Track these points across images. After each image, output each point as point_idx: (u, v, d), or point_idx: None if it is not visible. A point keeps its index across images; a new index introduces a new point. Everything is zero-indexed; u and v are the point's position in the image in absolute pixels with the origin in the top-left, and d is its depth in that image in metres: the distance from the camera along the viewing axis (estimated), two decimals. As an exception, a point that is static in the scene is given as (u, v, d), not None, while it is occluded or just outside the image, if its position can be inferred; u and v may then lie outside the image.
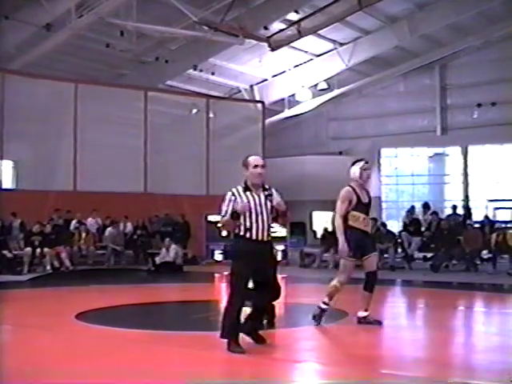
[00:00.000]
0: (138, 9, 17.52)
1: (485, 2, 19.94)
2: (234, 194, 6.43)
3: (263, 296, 6.53)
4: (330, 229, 19.67)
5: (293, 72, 24.66)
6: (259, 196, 6.50)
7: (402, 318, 9.33)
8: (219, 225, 6.72)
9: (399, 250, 17.66)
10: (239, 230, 6.37)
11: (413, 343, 7.19)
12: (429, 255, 17.09)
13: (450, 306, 10.25)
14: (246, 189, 6.48)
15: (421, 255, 17.44)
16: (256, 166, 6.53)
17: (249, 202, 6.38)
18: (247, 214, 6.34)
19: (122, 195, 19.85)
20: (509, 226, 18.61)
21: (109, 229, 18.97)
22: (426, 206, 19.22)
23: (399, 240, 17.65)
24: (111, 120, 21.23)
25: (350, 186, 7.88)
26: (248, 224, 6.35)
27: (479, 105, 23.05)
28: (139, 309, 9.83)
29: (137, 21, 17.75)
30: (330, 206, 23.66)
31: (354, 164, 7.98)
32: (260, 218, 6.39)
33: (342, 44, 23.06)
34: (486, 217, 18.44)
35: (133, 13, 17.56)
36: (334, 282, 7.89)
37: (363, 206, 7.83)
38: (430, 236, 17.39)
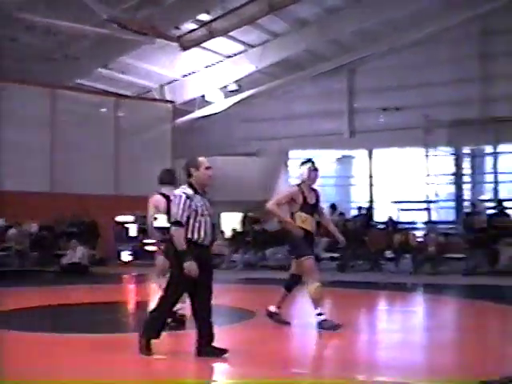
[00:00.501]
0: (45, 4, 17.11)
1: (391, 10, 20.58)
2: (188, 197, 6.06)
3: (201, 302, 6.31)
4: (238, 229, 19.85)
5: (203, 72, 24.67)
6: (207, 199, 6.26)
7: (309, 318, 9.49)
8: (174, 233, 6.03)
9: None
10: (186, 234, 6.06)
11: (319, 342, 7.34)
12: (335, 255, 17.46)
13: (354, 306, 10.52)
14: (195, 191, 6.14)
15: (328, 255, 17.79)
16: (208, 168, 6.22)
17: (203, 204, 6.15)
18: (197, 218, 6.08)
19: (27, 194, 19.32)
20: (411, 226, 19.26)
21: (12, 229, 18.40)
22: (332, 206, 19.61)
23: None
24: (16, 117, 20.61)
25: (299, 186, 7.86)
26: (197, 228, 6.09)
27: (384, 109, 23.70)
28: (44, 311, 9.60)
29: (45, 16, 17.33)
30: (239, 206, 24.01)
31: (302, 164, 7.95)
32: (208, 222, 6.16)
33: (252, 46, 23.24)
34: (390, 218, 19.00)
35: (40, 8, 17.13)
36: (312, 287, 7.61)
37: (309, 207, 7.80)
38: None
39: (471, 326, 8.49)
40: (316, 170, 7.96)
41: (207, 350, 6.07)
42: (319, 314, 7.58)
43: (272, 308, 7.93)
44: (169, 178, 8.46)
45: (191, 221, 6.06)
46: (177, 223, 6.03)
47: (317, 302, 7.60)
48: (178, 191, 6.18)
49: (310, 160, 8.03)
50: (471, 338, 7.45)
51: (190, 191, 6.09)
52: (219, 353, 6.10)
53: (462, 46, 22.26)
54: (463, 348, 6.94)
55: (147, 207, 8.28)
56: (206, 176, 6.20)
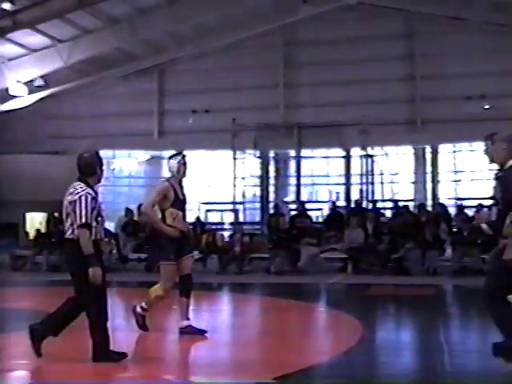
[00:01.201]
0: None
1: (201, 14, 20.96)
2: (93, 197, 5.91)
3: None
4: (43, 230, 19.18)
5: (7, 65, 23.49)
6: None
7: (116, 320, 9.40)
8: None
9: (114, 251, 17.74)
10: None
11: (124, 345, 7.31)
12: (143, 256, 17.42)
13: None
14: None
15: (136, 256, 17.73)
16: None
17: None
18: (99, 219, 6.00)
19: None
20: (218, 227, 19.72)
21: None
22: (140, 207, 19.50)
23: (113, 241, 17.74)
24: None
25: (168, 181, 7.50)
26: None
27: (194, 111, 24.04)
28: None
29: None
30: (44, 206, 23.21)
31: (171, 158, 7.61)
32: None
33: (61, 41, 22.53)
34: (198, 218, 19.30)
35: None
36: (158, 291, 7.37)
37: (180, 203, 7.45)
38: (145, 237, 17.72)
39: (274, 323, 8.88)
40: (186, 163, 7.64)
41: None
42: (142, 308, 7.50)
43: (182, 323, 7.44)
44: None
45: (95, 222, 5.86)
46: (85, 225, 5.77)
47: (149, 303, 7.46)
48: (80, 191, 5.88)
49: (180, 153, 7.69)
50: (274, 335, 7.79)
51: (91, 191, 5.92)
52: (118, 357, 5.92)
53: (268, 54, 23.27)
54: (266, 344, 7.24)
55: None
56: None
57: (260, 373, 5.71)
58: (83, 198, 5.81)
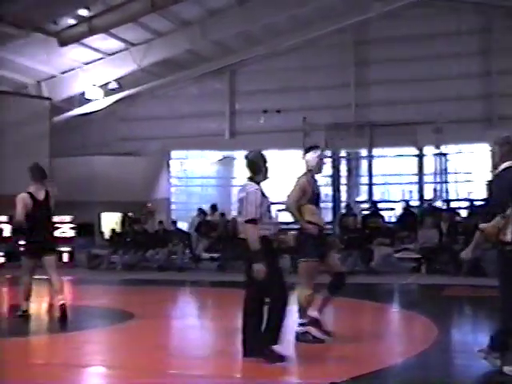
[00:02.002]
0: None
1: (271, 15, 20.97)
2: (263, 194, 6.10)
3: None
4: (118, 230, 19.58)
5: (83, 69, 24.11)
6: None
7: (188, 318, 9.52)
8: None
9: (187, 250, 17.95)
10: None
11: (198, 342, 7.37)
12: (215, 256, 17.56)
13: (234, 305, 10.61)
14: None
15: (208, 256, 17.87)
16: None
17: None
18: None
19: None
20: (289, 227, 19.65)
21: None
22: (213, 207, 19.71)
23: (186, 241, 17.94)
24: None
25: (305, 176, 7.08)
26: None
27: (265, 111, 24.09)
28: None
29: None
30: (119, 206, 23.65)
31: (309, 151, 7.13)
32: None
33: (134, 44, 22.96)
34: (269, 218, 19.26)
35: None
36: (304, 292, 6.86)
37: (317, 198, 7.07)
38: (218, 237, 17.88)
39: (347, 323, 8.80)
40: (323, 157, 7.28)
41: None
42: (302, 324, 6.89)
43: (313, 313, 6.96)
44: (43, 175, 8.36)
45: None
46: (252, 221, 5.82)
47: (304, 311, 6.87)
48: (249, 188, 5.99)
49: (317, 146, 7.20)
50: (348, 335, 7.70)
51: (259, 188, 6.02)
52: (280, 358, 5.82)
53: (339, 53, 23.10)
54: (340, 344, 7.16)
55: (18, 210, 8.14)
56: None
57: (335, 373, 5.66)
58: (251, 195, 5.91)
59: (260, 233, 5.82)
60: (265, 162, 6.22)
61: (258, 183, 6.08)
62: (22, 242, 8.54)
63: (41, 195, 8.27)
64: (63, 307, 8.28)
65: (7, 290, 14.57)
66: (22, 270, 8.52)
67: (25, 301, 8.47)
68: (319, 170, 7.16)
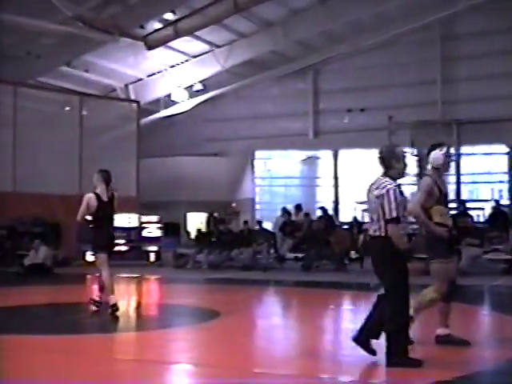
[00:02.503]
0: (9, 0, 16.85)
1: (355, 12, 20.76)
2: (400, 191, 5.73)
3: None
4: (203, 229, 19.83)
5: (169, 72, 24.57)
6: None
7: (274, 317, 9.53)
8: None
9: (272, 250, 18.00)
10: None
11: (284, 342, 7.37)
12: (300, 255, 17.52)
13: (319, 304, 10.58)
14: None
15: (292, 255, 17.86)
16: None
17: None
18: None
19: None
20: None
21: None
22: (298, 207, 19.68)
23: (271, 241, 17.99)
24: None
25: (430, 176, 6.58)
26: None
27: (349, 110, 23.89)
28: (6, 312, 9.47)
29: (7, 12, 17.06)
30: (203, 206, 23.95)
31: (435, 148, 6.64)
32: None
33: (218, 46, 23.22)
34: (355, 218, 19.13)
35: (4, 3, 16.86)
36: (430, 295, 6.56)
37: (444, 198, 6.62)
38: (302, 237, 17.84)
39: (436, 325, 8.57)
40: (451, 155, 6.83)
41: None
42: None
43: (440, 331, 6.66)
44: (109, 179, 8.96)
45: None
46: (395, 219, 5.60)
47: (417, 311, 6.58)
48: (387, 185, 5.71)
49: (443, 144, 6.72)
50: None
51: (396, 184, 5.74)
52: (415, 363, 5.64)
53: (425, 49, 22.63)
54: (429, 347, 7.00)
55: (81, 209, 8.74)
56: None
57: (425, 376, 5.53)
58: (391, 192, 5.63)
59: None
60: (399, 157, 5.87)
61: (394, 180, 5.79)
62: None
63: (106, 196, 8.79)
64: (115, 306, 8.65)
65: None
66: (99, 265, 9.02)
67: (112, 295, 8.76)
68: (446, 169, 6.76)
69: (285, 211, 19.20)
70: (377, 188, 5.76)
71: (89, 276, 16.05)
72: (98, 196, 8.75)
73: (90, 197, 8.72)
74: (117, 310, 8.58)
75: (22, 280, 15.40)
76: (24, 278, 15.62)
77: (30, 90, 21.73)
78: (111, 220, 9.03)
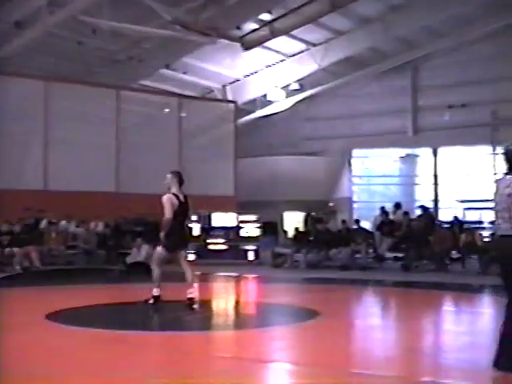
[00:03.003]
0: (111, 7, 17.41)
1: (457, 4, 20.17)
2: None
3: None
4: (301, 229, 19.77)
5: (265, 72, 24.71)
6: None
7: (373, 318, 9.38)
8: None
9: (370, 250, 17.74)
10: None
11: (384, 342, 7.23)
12: (399, 255, 17.20)
13: (419, 306, 10.33)
14: None
15: (391, 255, 17.55)
16: None
17: None
18: None
19: (93, 194, 19.70)
20: (477, 226, 18.81)
21: (78, 229, 18.80)
22: (397, 205, 19.29)
23: (370, 240, 17.73)
24: (83, 118, 21.06)
25: None
26: None
27: (450, 106, 23.26)
28: (110, 309, 9.76)
29: (109, 19, 17.63)
30: (301, 205, 23.94)
31: None
32: None
33: (314, 44, 23.14)
34: (456, 217, 18.60)
35: (105, 11, 17.44)
36: None
37: None
38: (401, 236, 17.49)
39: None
40: None
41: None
42: None
43: None
44: (182, 180, 9.36)
45: None
46: None
47: None
48: None
49: None
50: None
51: None
52: None
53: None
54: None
55: (164, 205, 9.06)
56: None
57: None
58: None
59: None
60: None
61: None
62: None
63: (181, 197, 9.18)
64: (192, 300, 9.01)
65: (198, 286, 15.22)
66: (154, 260, 9.43)
67: (157, 288, 9.29)
68: None
69: (383, 210, 18.88)
70: (507, 187, 5.46)
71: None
72: (176, 196, 9.11)
73: (170, 197, 9.07)
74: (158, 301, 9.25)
75: (124, 277, 15.83)
76: (126, 276, 16.06)
77: (131, 93, 22.37)
78: (186, 219, 9.47)
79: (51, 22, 17.73)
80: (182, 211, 9.16)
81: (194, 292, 9.13)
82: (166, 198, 9.09)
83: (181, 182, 9.32)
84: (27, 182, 19.48)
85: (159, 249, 9.29)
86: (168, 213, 9.01)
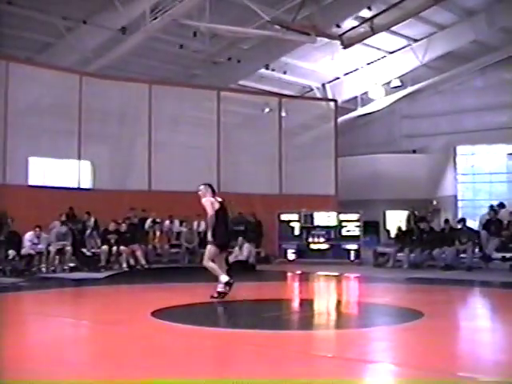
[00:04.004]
0: (210, 10, 17.68)
1: None
2: None
3: None
4: (403, 227, 19.42)
5: (365, 69, 24.43)
6: None
7: (480, 320, 9.08)
8: None
9: (476, 249, 17.18)
10: None
11: (491, 346, 6.98)
12: (507, 255, 16.57)
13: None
14: None
15: (499, 255, 16.92)
16: None
17: None
18: None
19: (195, 194, 20.00)
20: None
21: (182, 227, 19.21)
22: (501, 205, 18.57)
23: (476, 240, 17.16)
24: (185, 120, 21.52)
25: None
26: None
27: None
28: (213, 307, 9.90)
29: (210, 22, 17.91)
30: (403, 204, 23.56)
31: None
32: None
33: (416, 40, 22.69)
34: None
35: (206, 14, 17.73)
36: None
37: None
38: (509, 235, 16.85)
39: None
40: None
41: None
42: None
43: None
44: (214, 190, 10.65)
45: None
46: None
47: None
48: None
49: None
50: None
51: None
52: None
53: None
54: None
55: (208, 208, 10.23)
56: None
57: None
58: None
59: None
60: None
61: None
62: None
63: (218, 203, 10.39)
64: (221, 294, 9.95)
65: (299, 285, 15.24)
66: (207, 256, 10.36)
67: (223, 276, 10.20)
68: None
69: (491, 209, 18.25)
70: None
71: (289, 273, 16.39)
72: (218, 201, 10.35)
73: (212, 200, 10.30)
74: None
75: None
76: (229, 274, 16.23)
77: (231, 94, 22.62)
78: (227, 221, 10.73)
79: (154, 27, 18.19)
80: (222, 213, 10.35)
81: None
82: (207, 201, 10.30)
83: (213, 191, 10.53)
84: (132, 183, 20.07)
85: (210, 247, 10.28)
86: (211, 212, 10.16)
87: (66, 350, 6.41)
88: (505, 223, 17.36)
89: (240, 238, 17.60)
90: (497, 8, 20.60)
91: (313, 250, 19.77)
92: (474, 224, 19.62)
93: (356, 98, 25.90)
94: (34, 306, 10.18)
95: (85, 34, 18.59)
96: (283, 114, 23.02)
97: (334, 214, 19.91)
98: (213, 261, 10.39)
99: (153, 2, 17.66)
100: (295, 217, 19.99)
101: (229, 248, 10.63)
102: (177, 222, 19.58)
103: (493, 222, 17.61)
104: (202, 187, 10.60)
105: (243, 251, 17.28)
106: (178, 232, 19.35)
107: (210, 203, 10.25)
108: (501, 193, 24.22)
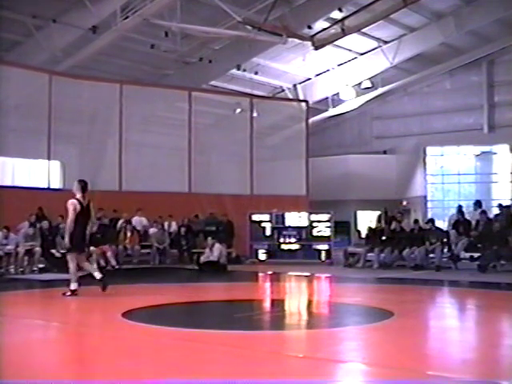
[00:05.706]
0: (182, 10, 17.62)
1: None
2: None
3: None
4: (374, 228, 19.55)
5: (336, 71, 24.55)
6: None
7: (449, 319, 9.18)
8: None
9: (445, 249, 17.36)
10: None
11: (460, 344, 7.06)
12: (476, 255, 16.76)
13: (497, 307, 10.05)
14: None
15: (467, 255, 17.11)
16: None
17: None
18: None
19: (166, 195, 19.99)
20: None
21: (153, 228, 19.12)
22: (478, 204, 18.74)
23: (444, 239, 17.34)
24: (156, 120, 21.43)
25: None
26: None
27: (527, 101, 22.61)
28: (183, 307, 9.88)
29: (181, 22, 17.86)
30: (374, 205, 23.77)
31: None
32: None
33: (386, 42, 22.87)
34: None
35: (177, 14, 17.68)
36: None
37: None
38: (478, 236, 17.06)
39: None
40: None
41: None
42: None
43: None
44: (86, 188, 10.79)
45: None
46: None
47: None
48: None
49: None
50: None
51: None
52: None
53: None
54: None
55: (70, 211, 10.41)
56: None
57: None
58: None
59: None
60: None
61: None
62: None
63: (84, 203, 10.70)
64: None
65: (270, 285, 15.26)
66: (70, 261, 10.67)
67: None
68: None
69: (459, 209, 18.46)
70: None
71: (260, 274, 16.41)
72: (79, 202, 10.43)
73: (75, 203, 10.39)
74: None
75: (197, 277, 16.02)
76: (199, 275, 16.24)
77: (203, 94, 22.56)
78: (87, 223, 10.69)
79: (125, 27, 18.09)
80: (83, 215, 10.49)
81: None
82: (69, 203, 10.39)
83: (84, 190, 10.65)
84: (102, 183, 19.89)
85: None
86: (70, 216, 10.30)
87: (35, 353, 6.34)
88: (473, 223, 17.58)
89: (209, 239, 17.54)
90: (465, 11, 20.87)
91: (284, 250, 19.81)
92: (443, 224, 19.81)
93: (327, 98, 26.00)
94: (1, 308, 10.06)
95: (54, 32, 18.39)
96: (254, 114, 23.03)
97: (305, 214, 19.97)
98: (78, 264, 10.71)
99: (124, 1, 17.56)
100: (266, 217, 20.02)
101: (85, 250, 11.15)
102: (144, 220, 19.48)
103: (461, 222, 17.83)
104: (75, 184, 10.79)
105: (214, 252, 17.23)
106: (146, 229, 19.24)
107: (72, 207, 10.39)
108: (469, 193, 24.51)
